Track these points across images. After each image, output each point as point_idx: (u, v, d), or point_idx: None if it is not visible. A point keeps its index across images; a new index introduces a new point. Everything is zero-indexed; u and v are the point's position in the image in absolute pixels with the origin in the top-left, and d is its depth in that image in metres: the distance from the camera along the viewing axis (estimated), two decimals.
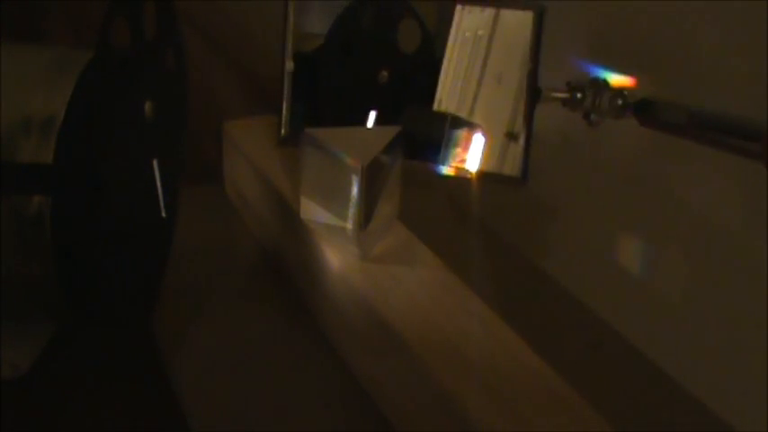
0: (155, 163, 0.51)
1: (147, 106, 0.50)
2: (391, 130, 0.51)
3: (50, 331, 0.51)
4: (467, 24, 0.47)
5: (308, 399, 0.50)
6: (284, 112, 0.51)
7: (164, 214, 0.52)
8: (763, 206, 0.45)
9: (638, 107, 0.40)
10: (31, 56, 0.49)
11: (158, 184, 0.51)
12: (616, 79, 0.42)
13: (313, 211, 0.52)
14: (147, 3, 0.49)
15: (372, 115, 0.48)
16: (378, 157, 0.49)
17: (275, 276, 0.60)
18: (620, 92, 0.40)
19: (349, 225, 0.50)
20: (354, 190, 0.49)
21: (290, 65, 0.50)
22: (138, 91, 0.51)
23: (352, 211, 0.50)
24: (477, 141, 0.46)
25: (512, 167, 0.44)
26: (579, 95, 0.42)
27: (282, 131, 0.52)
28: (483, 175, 0.46)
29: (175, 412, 0.49)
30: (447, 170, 0.47)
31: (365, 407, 0.49)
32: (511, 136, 0.45)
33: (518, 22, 0.44)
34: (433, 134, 0.48)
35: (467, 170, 0.45)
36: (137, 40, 0.50)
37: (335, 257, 0.51)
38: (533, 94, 0.41)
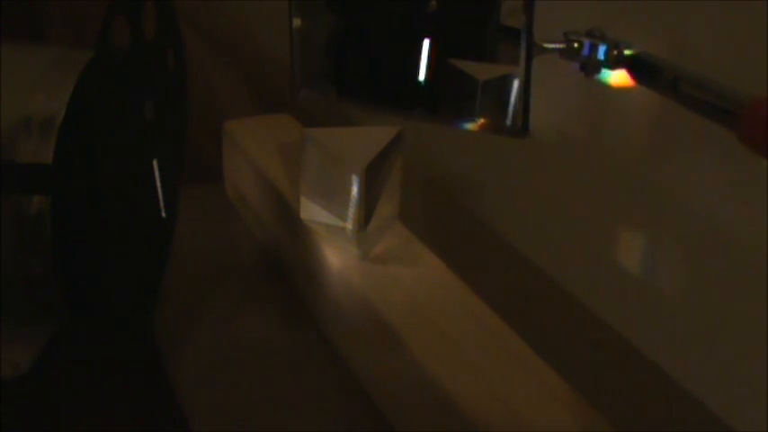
0: (155, 163, 0.51)
1: (147, 106, 0.51)
2: (391, 130, 0.51)
3: (50, 331, 0.51)
4: None
5: (308, 399, 0.50)
6: (296, 73, 0.50)
7: (164, 214, 0.52)
8: (763, 206, 0.45)
9: (632, 61, 0.40)
10: (31, 56, 0.49)
11: (158, 184, 0.51)
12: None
13: (313, 211, 0.52)
14: (147, 3, 0.49)
15: (425, 45, 0.47)
16: (378, 157, 0.49)
17: (275, 276, 0.60)
18: (616, 43, 0.41)
19: (349, 225, 0.50)
20: (354, 190, 0.49)
21: (296, 21, 0.49)
22: (138, 91, 0.51)
23: (352, 211, 0.50)
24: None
25: (513, 121, 0.44)
26: (576, 45, 0.42)
27: (296, 93, 0.51)
28: (486, 128, 0.45)
29: (175, 412, 0.49)
30: (472, 126, 0.46)
31: (365, 407, 0.49)
32: (510, 90, 0.45)
33: None
34: (462, 88, 0.47)
35: (498, 126, 0.45)
36: (137, 40, 0.50)
37: (335, 257, 0.51)
38: (529, 46, 0.41)
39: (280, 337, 0.55)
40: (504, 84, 0.44)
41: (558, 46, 0.42)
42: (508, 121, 0.44)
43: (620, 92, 0.41)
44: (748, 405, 0.48)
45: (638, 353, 0.54)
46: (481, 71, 0.45)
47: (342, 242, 0.51)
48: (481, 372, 0.43)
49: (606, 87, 0.41)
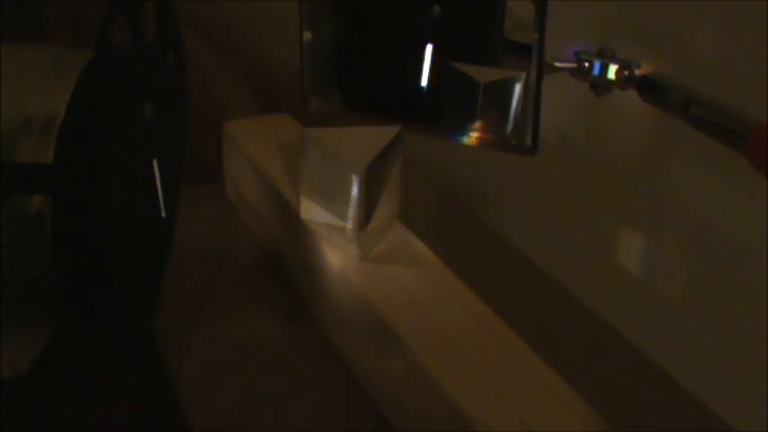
0: (155, 163, 0.51)
1: (147, 106, 0.51)
2: (391, 130, 0.51)
3: (50, 331, 0.51)
4: None
5: (308, 399, 0.50)
6: (306, 83, 0.50)
7: (164, 214, 0.52)
8: (763, 206, 0.45)
9: (642, 82, 0.40)
10: (31, 56, 0.50)
11: (158, 184, 0.51)
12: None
13: (313, 211, 0.52)
14: (147, 3, 0.49)
15: (428, 50, 0.47)
16: (378, 157, 0.49)
17: (275, 276, 0.60)
18: (627, 63, 0.40)
19: (349, 225, 0.50)
20: (354, 190, 0.49)
21: (306, 35, 0.49)
22: (138, 91, 0.51)
23: (352, 211, 0.50)
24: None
25: (523, 137, 0.44)
26: (587, 65, 0.41)
27: (307, 103, 0.51)
28: (494, 145, 0.45)
29: (175, 412, 0.49)
30: (469, 139, 0.46)
31: (365, 407, 0.49)
32: (521, 107, 0.44)
33: None
34: (463, 100, 0.47)
35: (506, 143, 0.44)
36: (137, 40, 0.50)
37: (335, 257, 0.51)
38: (540, 64, 0.41)
39: (280, 337, 0.55)
40: (511, 100, 0.44)
41: (568, 65, 0.42)
42: (516, 138, 0.44)
43: (621, 96, 0.41)
44: (748, 405, 0.48)
45: (638, 353, 0.54)
46: (483, 76, 0.45)
47: (342, 242, 0.51)
48: (481, 372, 0.43)
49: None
